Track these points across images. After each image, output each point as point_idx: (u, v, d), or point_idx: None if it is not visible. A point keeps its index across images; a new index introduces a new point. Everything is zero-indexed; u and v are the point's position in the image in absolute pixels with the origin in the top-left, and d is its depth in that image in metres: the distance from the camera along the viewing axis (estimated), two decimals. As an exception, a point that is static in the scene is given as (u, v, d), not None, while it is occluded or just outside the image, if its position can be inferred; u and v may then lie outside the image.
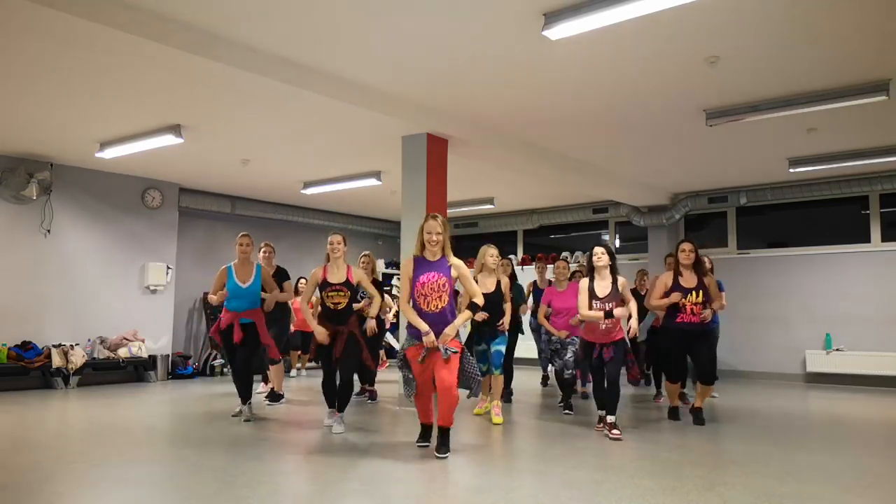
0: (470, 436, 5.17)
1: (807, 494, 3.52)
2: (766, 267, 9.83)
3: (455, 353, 4.33)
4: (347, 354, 5.08)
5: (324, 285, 5.09)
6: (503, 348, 5.82)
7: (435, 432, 4.53)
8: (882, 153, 7.78)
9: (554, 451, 4.59)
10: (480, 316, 5.54)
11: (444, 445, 4.37)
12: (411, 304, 4.42)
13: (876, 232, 9.17)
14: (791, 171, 8.44)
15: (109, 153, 7.64)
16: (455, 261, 4.44)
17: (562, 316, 6.15)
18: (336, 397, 5.25)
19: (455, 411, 4.39)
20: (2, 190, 8.01)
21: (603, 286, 5.13)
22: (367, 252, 6.91)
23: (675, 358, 5.74)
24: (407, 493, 3.51)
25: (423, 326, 4.30)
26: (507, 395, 6.81)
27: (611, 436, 4.95)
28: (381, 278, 7.55)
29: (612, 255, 5.22)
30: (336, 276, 5.10)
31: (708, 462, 4.30)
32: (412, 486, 3.66)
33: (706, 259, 6.47)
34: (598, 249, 5.20)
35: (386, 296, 7.81)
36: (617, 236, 11.68)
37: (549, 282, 6.55)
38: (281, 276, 6.61)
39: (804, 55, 5.16)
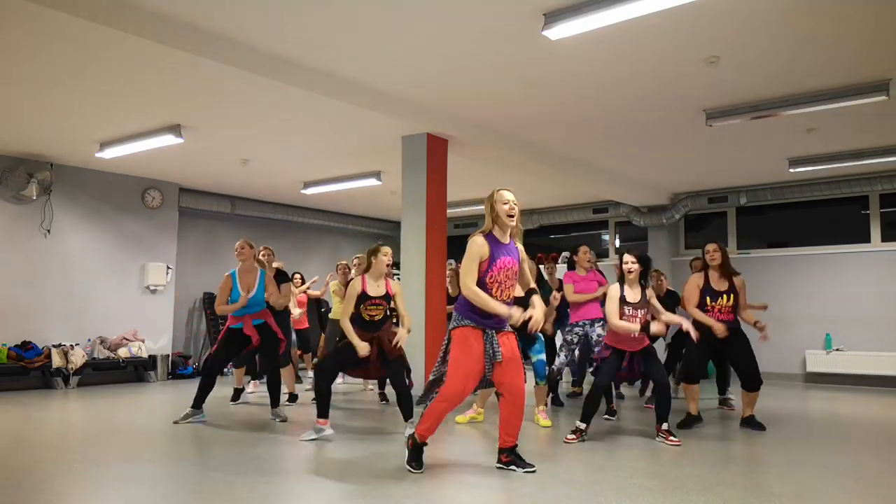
0: (469, 436, 5.17)
1: (807, 494, 3.52)
2: (766, 267, 9.83)
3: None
4: (394, 359, 4.92)
5: (363, 297, 4.93)
6: (544, 356, 5.53)
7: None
8: (882, 153, 7.79)
9: (553, 451, 4.59)
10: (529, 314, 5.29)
11: (523, 458, 3.96)
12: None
13: (876, 232, 9.18)
14: (791, 171, 8.44)
15: (109, 153, 7.65)
16: (521, 246, 3.91)
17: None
18: (325, 405, 4.94)
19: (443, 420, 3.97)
20: (2, 190, 8.01)
21: (633, 293, 4.92)
22: (356, 257, 6.16)
23: (699, 357, 5.45)
24: (406, 492, 3.51)
25: (504, 309, 3.66)
26: (555, 399, 6.60)
27: (668, 443, 4.75)
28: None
29: (644, 261, 4.97)
30: (375, 289, 4.97)
31: (708, 462, 4.30)
32: (411, 484, 3.65)
33: (698, 261, 6.37)
34: (629, 258, 4.93)
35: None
36: (617, 236, 11.69)
37: (573, 263, 6.20)
38: (280, 278, 6.55)
39: (804, 55, 5.17)
